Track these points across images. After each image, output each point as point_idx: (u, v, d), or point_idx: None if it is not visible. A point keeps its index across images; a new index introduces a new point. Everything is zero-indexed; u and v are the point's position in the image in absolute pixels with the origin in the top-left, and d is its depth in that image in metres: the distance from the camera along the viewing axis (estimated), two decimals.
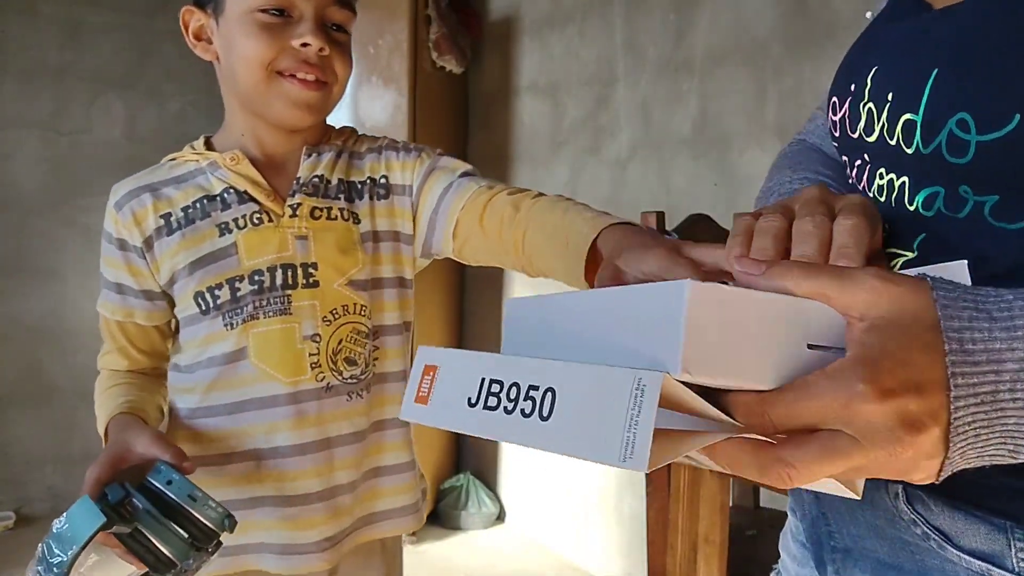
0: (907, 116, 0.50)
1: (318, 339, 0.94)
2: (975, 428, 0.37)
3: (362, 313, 0.97)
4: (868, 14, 0.67)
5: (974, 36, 0.48)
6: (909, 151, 0.51)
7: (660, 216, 1.61)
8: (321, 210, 0.97)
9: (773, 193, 0.66)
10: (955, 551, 0.50)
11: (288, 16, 0.91)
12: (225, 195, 0.96)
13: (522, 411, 0.40)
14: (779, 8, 1.97)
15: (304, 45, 0.90)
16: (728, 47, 2.11)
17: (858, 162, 0.58)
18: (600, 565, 2.58)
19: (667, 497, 1.55)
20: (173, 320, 1.00)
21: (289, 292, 0.94)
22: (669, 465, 1.51)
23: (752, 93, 2.04)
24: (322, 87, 0.93)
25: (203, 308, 0.94)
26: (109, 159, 3.06)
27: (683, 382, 0.36)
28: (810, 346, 0.38)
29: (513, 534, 2.91)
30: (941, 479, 0.39)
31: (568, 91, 2.66)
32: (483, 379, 0.42)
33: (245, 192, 0.96)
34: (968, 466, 0.39)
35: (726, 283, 0.40)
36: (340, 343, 0.96)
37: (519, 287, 2.87)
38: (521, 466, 2.92)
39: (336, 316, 0.95)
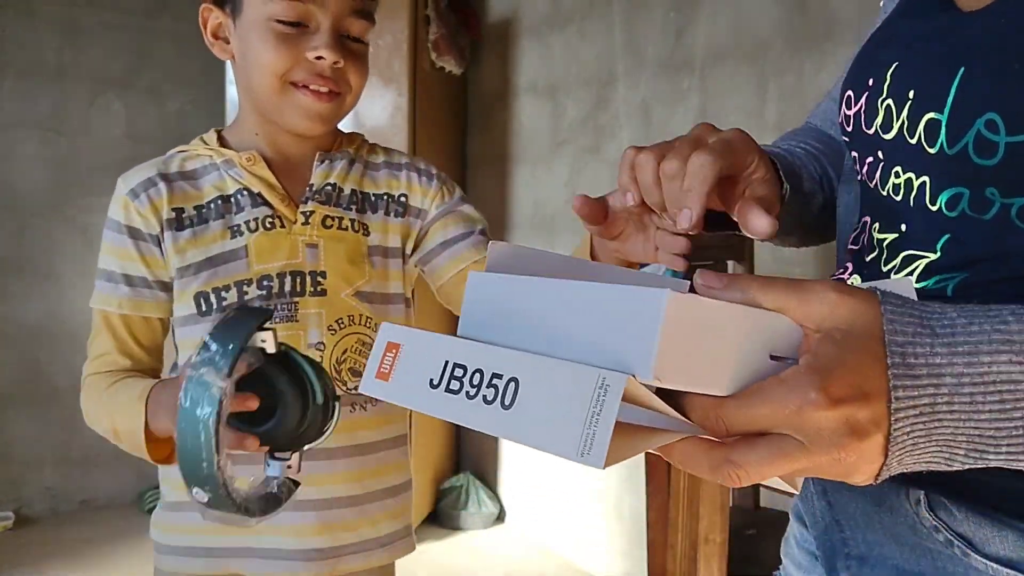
0: (931, 115, 0.50)
1: (322, 348, 0.94)
2: (913, 438, 0.39)
3: (368, 325, 0.97)
4: (882, 2, 0.66)
5: (1004, 36, 0.47)
6: (932, 151, 0.50)
7: None
8: (333, 219, 0.97)
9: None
10: (980, 558, 0.49)
11: (305, 26, 0.90)
12: (239, 196, 0.95)
13: (484, 397, 0.40)
14: (779, 7, 1.97)
15: (319, 58, 0.90)
16: (728, 46, 2.11)
17: (870, 159, 0.58)
18: (600, 565, 2.58)
19: (667, 497, 1.54)
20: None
21: (296, 299, 0.94)
22: (669, 465, 1.51)
23: (752, 92, 2.04)
24: (335, 98, 0.93)
25: (203, 309, 0.93)
26: (109, 159, 3.06)
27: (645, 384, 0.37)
28: (772, 357, 0.40)
29: (513, 534, 2.90)
30: (878, 482, 0.41)
31: (568, 91, 2.66)
32: (446, 362, 0.43)
33: (259, 194, 0.95)
34: (903, 471, 0.41)
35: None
36: (345, 353, 0.95)
37: None
38: (521, 466, 2.92)
39: (342, 326, 0.95)
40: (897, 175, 0.54)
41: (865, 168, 0.59)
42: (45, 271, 3.01)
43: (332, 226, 0.97)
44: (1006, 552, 0.48)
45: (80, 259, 3.03)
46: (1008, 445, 0.39)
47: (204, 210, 0.95)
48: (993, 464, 0.40)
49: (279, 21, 0.89)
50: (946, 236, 0.51)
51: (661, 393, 0.39)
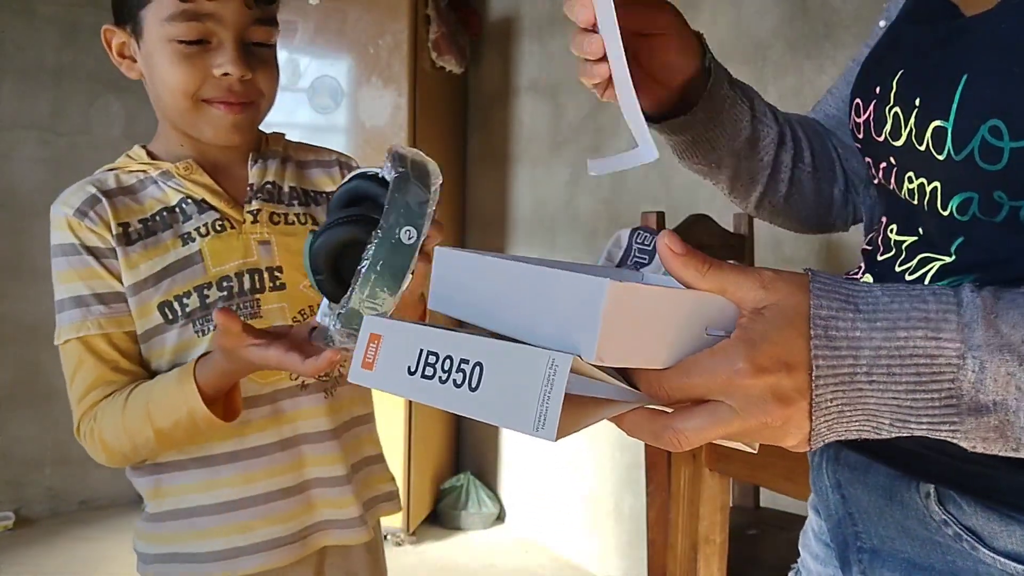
0: (936, 123, 0.50)
1: None
2: (838, 405, 0.42)
3: None
4: (881, 23, 0.67)
5: (1004, 42, 0.47)
6: (940, 157, 0.51)
7: (660, 216, 1.61)
8: (279, 215, 0.99)
9: None
10: (988, 552, 0.50)
11: (207, 43, 0.89)
12: (184, 205, 0.95)
13: (454, 382, 0.45)
14: (779, 8, 1.97)
15: (226, 75, 0.90)
16: (728, 47, 2.11)
17: (883, 164, 0.58)
18: (600, 565, 2.58)
19: (667, 497, 1.54)
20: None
21: (258, 296, 0.95)
22: (669, 465, 1.51)
23: None
24: (249, 107, 0.94)
25: (169, 317, 0.93)
26: (108, 159, 3.04)
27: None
28: (709, 333, 0.44)
29: (513, 534, 2.90)
30: (814, 448, 0.44)
31: (568, 91, 2.66)
32: (421, 350, 0.47)
33: (203, 201, 0.96)
34: (839, 438, 0.44)
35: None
36: None
37: None
38: (521, 466, 2.92)
39: (305, 316, 0.97)
40: (911, 180, 0.55)
41: (881, 172, 0.59)
42: (45, 271, 2.98)
43: (280, 222, 0.99)
44: (1014, 546, 0.49)
45: None
46: (928, 415, 0.42)
47: (151, 223, 0.94)
48: (917, 433, 0.43)
49: (180, 41, 0.89)
50: (959, 239, 0.52)
51: (618, 370, 0.44)
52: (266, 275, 0.96)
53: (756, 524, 1.69)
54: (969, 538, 0.51)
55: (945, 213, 0.52)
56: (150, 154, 0.99)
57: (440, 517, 2.92)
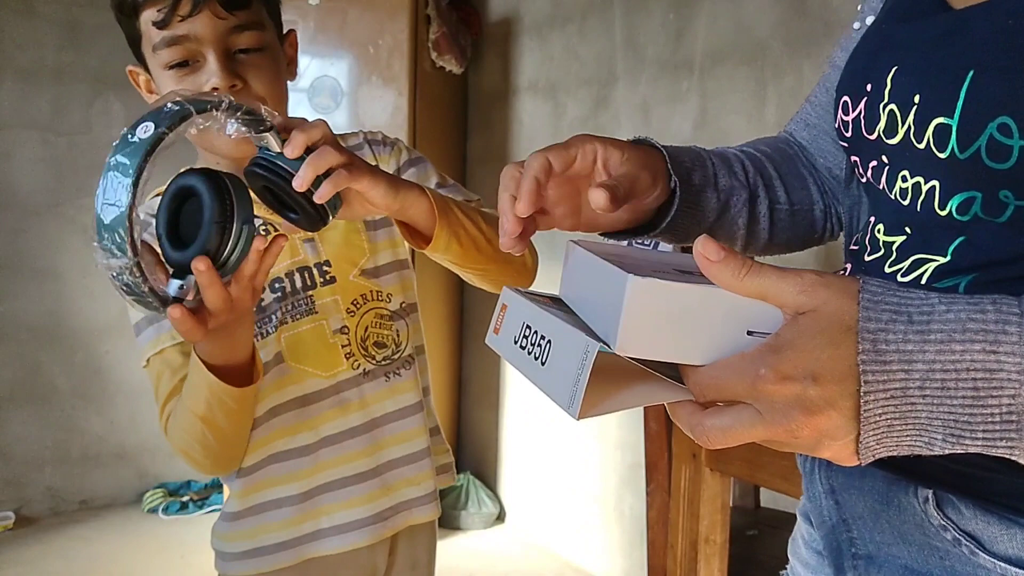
0: (940, 120, 0.49)
1: (346, 331, 0.99)
2: (887, 419, 0.41)
3: (380, 298, 1.02)
4: (856, 25, 0.66)
5: (1011, 36, 0.46)
6: (942, 155, 0.49)
7: None
8: None
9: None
10: (988, 557, 0.49)
11: (196, 62, 0.90)
12: None
13: (534, 355, 0.50)
14: (778, 8, 1.97)
15: (214, 89, 0.89)
16: (728, 47, 2.11)
17: (874, 163, 0.57)
18: (600, 565, 2.58)
19: (667, 497, 1.54)
20: None
21: (311, 292, 0.98)
22: (669, 465, 1.51)
23: (752, 93, 2.04)
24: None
25: None
26: None
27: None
28: (750, 332, 0.44)
29: (513, 534, 2.90)
30: (863, 462, 0.43)
31: (568, 91, 2.66)
32: (524, 323, 0.53)
33: None
34: (890, 454, 0.43)
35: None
36: (367, 330, 1.01)
37: None
38: (521, 466, 2.92)
39: (358, 306, 1.00)
40: (904, 179, 0.54)
41: (870, 171, 0.58)
42: (45, 271, 3.01)
43: None
44: (1015, 551, 0.48)
45: (80, 259, 3.03)
46: (984, 431, 0.40)
47: None
48: (971, 449, 0.41)
49: (170, 67, 0.90)
50: (958, 240, 0.50)
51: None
52: (315, 271, 0.99)
53: (756, 524, 1.69)
54: (968, 543, 0.50)
55: (943, 213, 0.51)
56: None
57: (440, 517, 2.91)
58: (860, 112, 0.57)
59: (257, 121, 0.74)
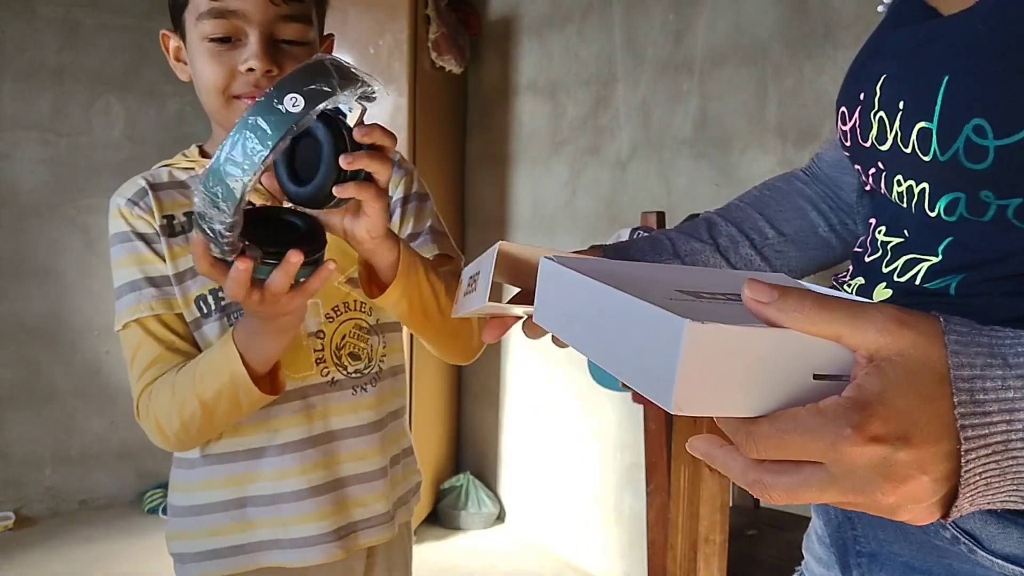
0: (921, 124, 0.50)
1: (322, 335, 0.97)
2: (986, 478, 0.37)
3: (362, 310, 1.00)
4: (880, 7, 0.67)
5: (985, 40, 0.47)
6: (926, 159, 0.50)
7: (660, 216, 1.61)
8: None
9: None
10: (986, 555, 0.50)
11: (237, 40, 0.91)
12: None
13: (471, 289, 0.54)
14: (779, 8, 1.97)
15: (250, 70, 0.90)
16: (728, 47, 2.11)
17: (872, 170, 0.59)
18: (600, 565, 2.58)
19: (667, 497, 1.55)
20: None
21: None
22: (669, 465, 1.51)
23: (752, 93, 2.04)
24: None
25: (204, 311, 0.94)
26: (108, 160, 3.06)
27: None
28: (816, 376, 0.38)
29: (513, 534, 2.91)
30: (951, 520, 0.39)
31: (568, 91, 2.66)
32: (468, 277, 0.58)
33: None
34: (976, 509, 0.39)
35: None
36: (344, 339, 0.99)
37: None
38: (521, 466, 2.92)
39: (338, 313, 0.99)
40: (899, 183, 0.55)
41: (871, 178, 0.60)
42: (45, 271, 3.01)
43: None
44: (1012, 549, 0.49)
45: (80, 259, 3.03)
46: None
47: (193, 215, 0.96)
48: None
49: (211, 40, 0.91)
50: (947, 240, 0.52)
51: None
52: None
53: (755, 524, 1.69)
54: (967, 541, 0.51)
55: (932, 214, 0.52)
56: (203, 153, 1.01)
57: (440, 517, 2.92)
58: (855, 121, 0.59)
59: (367, 97, 0.77)
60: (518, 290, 0.72)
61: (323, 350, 0.97)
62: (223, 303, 0.94)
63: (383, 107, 2.74)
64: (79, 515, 3.02)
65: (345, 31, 2.73)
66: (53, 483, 3.03)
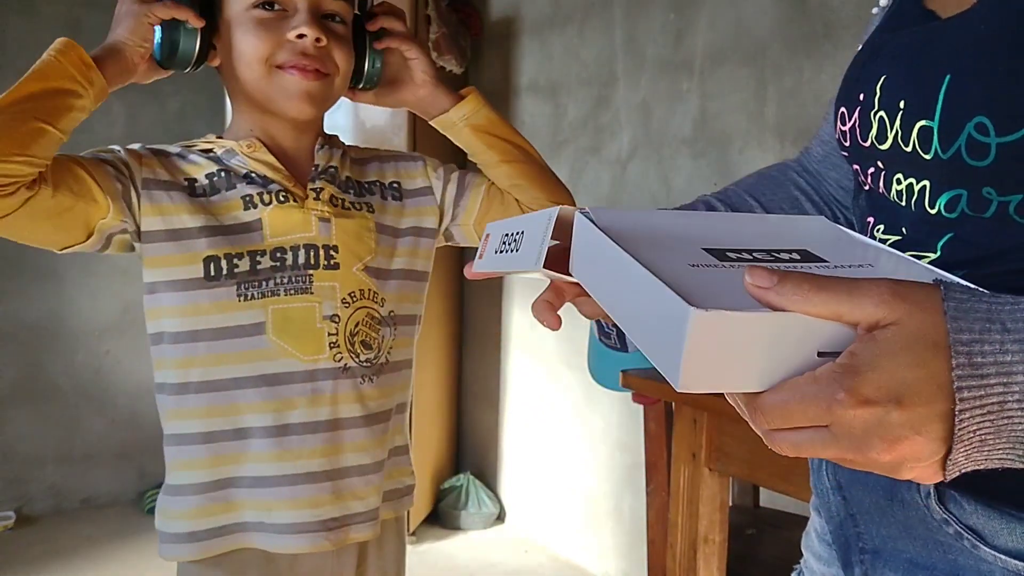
0: (922, 123, 0.51)
1: (337, 320, 0.97)
2: (980, 435, 0.38)
3: (375, 300, 1.00)
4: (875, 9, 0.68)
5: (985, 41, 0.48)
6: (927, 157, 0.51)
7: None
8: (338, 199, 1.01)
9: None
10: (989, 550, 0.50)
11: (283, 10, 0.93)
12: (249, 176, 0.98)
13: (512, 249, 0.54)
14: (779, 8, 1.97)
15: (300, 36, 0.92)
16: (728, 47, 2.11)
17: (871, 169, 0.59)
18: (600, 565, 2.58)
19: (667, 497, 1.55)
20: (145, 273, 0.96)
21: (311, 272, 0.96)
22: (669, 465, 1.51)
23: (752, 92, 2.04)
24: (323, 77, 0.95)
25: (211, 274, 0.93)
26: None
27: None
28: (820, 353, 0.40)
29: (513, 534, 2.91)
30: (949, 478, 0.40)
31: (568, 91, 2.67)
32: (502, 235, 0.58)
33: (265, 176, 0.98)
34: (976, 468, 0.40)
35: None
36: (357, 326, 0.99)
37: (519, 286, 2.88)
38: (521, 466, 2.93)
39: (354, 299, 0.98)
40: (899, 182, 0.56)
41: (869, 177, 0.60)
42: (45, 271, 3.01)
43: (339, 204, 1.00)
44: (1015, 544, 0.49)
45: (80, 259, 3.04)
46: None
47: (215, 178, 0.97)
48: None
49: (257, 6, 0.92)
50: (946, 236, 0.52)
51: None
52: (322, 252, 0.97)
53: (755, 523, 1.69)
54: (970, 537, 0.51)
55: (933, 211, 0.53)
56: (219, 139, 1.02)
57: (440, 517, 2.92)
58: (855, 121, 0.60)
59: None
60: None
61: (337, 335, 0.97)
62: (236, 271, 0.93)
63: (384, 108, 2.74)
64: (80, 514, 3.03)
65: None
66: (54, 482, 3.04)
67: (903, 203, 0.56)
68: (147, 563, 2.63)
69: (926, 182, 0.53)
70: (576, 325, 2.61)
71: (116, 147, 0.96)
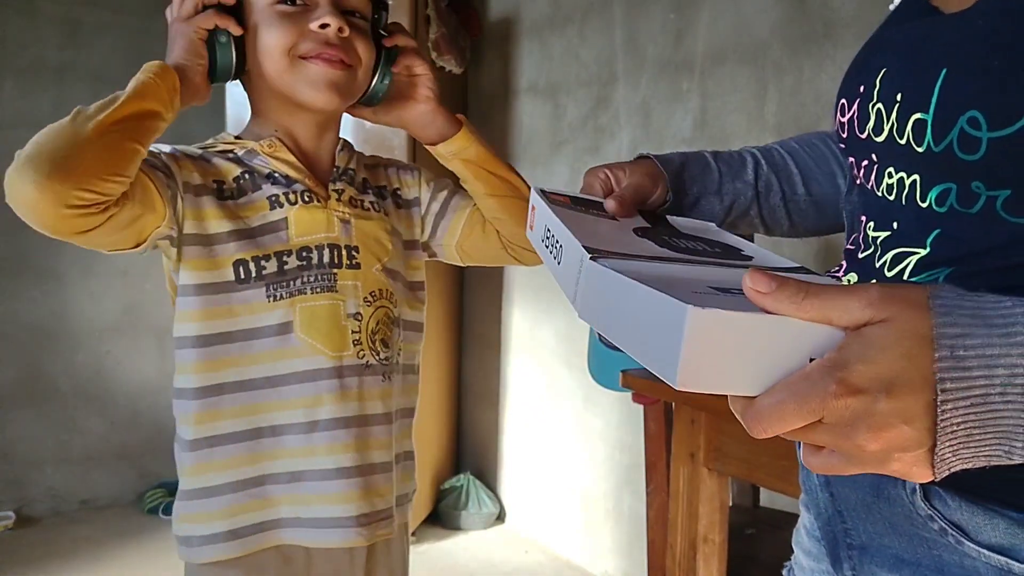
0: (917, 115, 0.52)
1: (360, 318, 0.99)
2: (966, 428, 0.39)
3: (391, 300, 1.03)
4: (891, 5, 0.68)
5: (982, 37, 0.49)
6: (920, 149, 0.52)
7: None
8: (357, 200, 1.03)
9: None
10: (973, 546, 0.51)
11: (304, 5, 0.95)
12: (274, 174, 0.99)
13: (554, 255, 0.56)
14: (779, 8, 1.97)
15: (323, 26, 0.93)
16: (728, 47, 2.11)
17: (865, 162, 0.60)
18: (600, 565, 2.58)
19: (666, 497, 1.55)
20: (175, 276, 0.96)
21: (335, 271, 0.98)
22: (668, 465, 1.51)
23: (752, 92, 2.04)
24: (346, 68, 0.96)
25: (242, 276, 0.94)
26: None
27: None
28: (813, 360, 0.41)
29: (513, 534, 2.91)
30: (938, 478, 0.41)
31: (568, 91, 2.67)
32: (545, 226, 0.58)
33: (288, 176, 0.99)
34: (967, 466, 0.40)
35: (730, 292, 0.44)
36: (377, 324, 1.01)
37: (519, 287, 2.88)
38: (521, 466, 2.93)
39: (375, 298, 1.01)
40: (890, 175, 0.56)
41: (862, 171, 0.61)
42: (45, 271, 3.01)
43: (357, 206, 1.03)
44: (997, 539, 0.50)
45: (80, 259, 3.04)
46: None
47: (242, 181, 0.98)
48: None
49: (280, 2, 0.94)
50: (935, 232, 0.53)
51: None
52: (344, 252, 0.99)
53: (755, 523, 1.69)
54: (954, 532, 0.52)
55: (923, 205, 0.53)
56: (237, 139, 1.02)
57: (440, 517, 2.92)
58: (854, 113, 0.60)
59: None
60: None
61: (360, 332, 0.99)
62: (264, 272, 0.94)
63: None
64: (80, 515, 3.02)
65: None
66: (54, 483, 3.03)
67: (892, 198, 0.56)
68: (147, 563, 2.63)
69: (917, 176, 0.54)
70: (576, 325, 2.61)
71: (158, 149, 0.96)
